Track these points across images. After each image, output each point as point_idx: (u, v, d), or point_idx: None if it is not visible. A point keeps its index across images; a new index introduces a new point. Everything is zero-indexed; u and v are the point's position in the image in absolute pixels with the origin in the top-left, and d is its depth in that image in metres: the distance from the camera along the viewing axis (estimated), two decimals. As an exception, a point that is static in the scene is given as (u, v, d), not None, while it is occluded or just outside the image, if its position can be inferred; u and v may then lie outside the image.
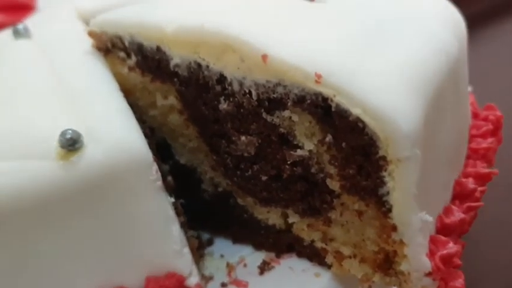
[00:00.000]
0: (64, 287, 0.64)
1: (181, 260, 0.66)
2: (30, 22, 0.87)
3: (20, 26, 0.82)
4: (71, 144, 0.59)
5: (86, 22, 0.88)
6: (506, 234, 1.06)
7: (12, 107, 0.66)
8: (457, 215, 0.63)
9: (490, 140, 0.77)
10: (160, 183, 0.63)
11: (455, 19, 0.71)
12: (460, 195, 0.67)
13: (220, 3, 0.66)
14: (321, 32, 0.59)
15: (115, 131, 0.61)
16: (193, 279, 0.66)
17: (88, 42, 0.75)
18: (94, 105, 0.64)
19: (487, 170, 0.71)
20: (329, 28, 0.60)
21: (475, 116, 0.82)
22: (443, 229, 0.61)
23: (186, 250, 0.66)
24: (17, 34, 0.81)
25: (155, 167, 0.62)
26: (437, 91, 0.58)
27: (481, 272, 1.00)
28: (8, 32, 0.84)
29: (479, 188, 0.69)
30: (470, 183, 0.68)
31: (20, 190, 0.58)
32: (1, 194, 0.57)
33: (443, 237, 0.59)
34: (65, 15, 0.90)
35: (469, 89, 0.83)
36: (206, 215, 0.77)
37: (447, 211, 0.63)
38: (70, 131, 0.59)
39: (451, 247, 0.58)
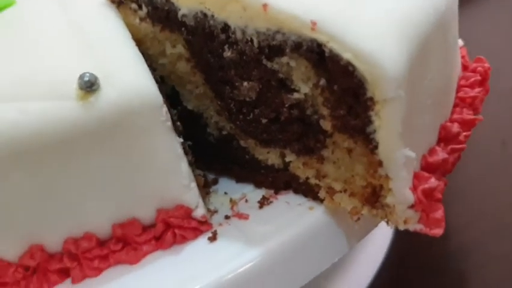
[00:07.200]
0: (82, 217, 0.71)
1: (189, 194, 0.73)
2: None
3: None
4: (89, 86, 0.64)
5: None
6: (491, 184, 1.14)
7: (32, 52, 0.71)
8: (441, 154, 0.68)
9: (477, 89, 0.82)
10: (169, 123, 0.69)
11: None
12: (445, 138, 0.72)
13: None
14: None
15: (128, 76, 0.67)
16: (200, 211, 0.73)
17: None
18: (109, 52, 0.69)
19: (472, 116, 0.77)
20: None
21: (465, 68, 0.87)
22: (427, 167, 0.67)
23: (193, 185, 0.73)
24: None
25: (165, 108, 0.68)
26: (424, 40, 0.62)
27: (468, 218, 1.09)
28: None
29: (464, 133, 0.75)
30: (455, 127, 0.73)
31: (44, 127, 0.64)
32: (27, 131, 0.63)
33: (425, 173, 0.65)
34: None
35: (460, 43, 0.88)
36: (212, 157, 0.83)
37: (431, 151, 0.69)
38: (88, 74, 0.64)
39: (433, 182, 0.64)
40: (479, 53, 0.90)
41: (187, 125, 0.77)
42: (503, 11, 1.66)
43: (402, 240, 1.02)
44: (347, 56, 0.57)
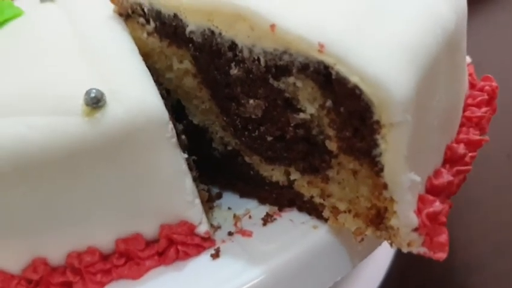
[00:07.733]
0: (86, 232, 0.72)
1: (193, 210, 0.73)
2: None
3: (45, -10, 0.87)
4: (95, 102, 0.64)
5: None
6: (496, 200, 1.13)
7: (38, 65, 0.71)
8: (446, 177, 0.68)
9: (484, 109, 0.82)
10: (174, 140, 0.69)
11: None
12: (451, 160, 0.72)
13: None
14: (325, 4, 0.63)
15: (135, 92, 0.67)
16: (203, 227, 0.73)
17: (110, 7, 0.80)
18: (116, 67, 0.69)
19: (478, 137, 0.77)
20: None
21: (472, 86, 0.86)
22: (432, 189, 0.67)
23: (197, 201, 0.73)
24: (42, -2, 0.86)
25: (170, 125, 0.68)
26: (431, 62, 0.62)
27: (472, 234, 1.08)
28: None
29: (470, 154, 0.74)
30: (461, 148, 0.73)
31: (49, 142, 0.64)
32: (33, 146, 0.63)
33: (430, 197, 0.65)
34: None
35: (468, 60, 0.87)
36: (216, 172, 0.83)
37: (436, 173, 0.69)
38: (94, 90, 0.64)
39: (437, 206, 0.63)
40: (485, 65, 0.90)
41: (193, 139, 0.77)
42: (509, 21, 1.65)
43: (403, 257, 1.02)
44: (354, 79, 0.57)
